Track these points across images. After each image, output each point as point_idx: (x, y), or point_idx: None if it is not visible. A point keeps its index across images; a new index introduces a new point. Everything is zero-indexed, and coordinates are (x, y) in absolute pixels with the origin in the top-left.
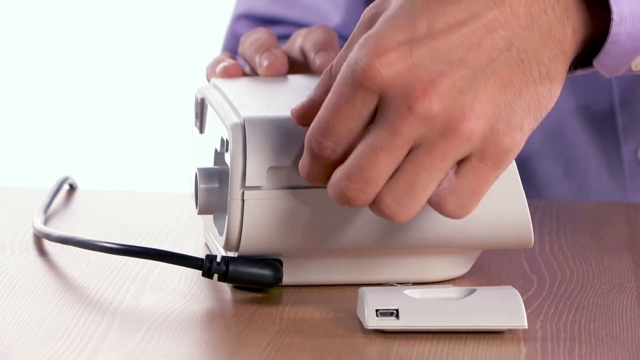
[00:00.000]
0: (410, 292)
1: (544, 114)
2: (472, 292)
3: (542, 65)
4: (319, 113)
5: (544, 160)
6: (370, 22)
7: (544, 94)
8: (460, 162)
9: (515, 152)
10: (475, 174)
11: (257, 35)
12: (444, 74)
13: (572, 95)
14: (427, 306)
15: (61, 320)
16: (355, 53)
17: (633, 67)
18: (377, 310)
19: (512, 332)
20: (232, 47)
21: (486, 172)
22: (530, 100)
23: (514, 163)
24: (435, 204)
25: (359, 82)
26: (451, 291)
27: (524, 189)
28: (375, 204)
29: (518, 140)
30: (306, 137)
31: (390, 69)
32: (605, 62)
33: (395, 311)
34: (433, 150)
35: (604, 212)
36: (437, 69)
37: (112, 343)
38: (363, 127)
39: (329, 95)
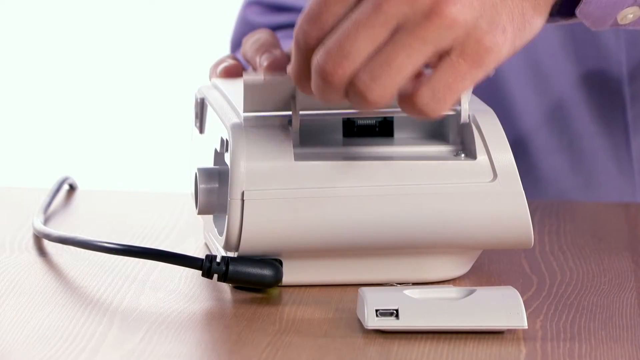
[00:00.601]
0: (410, 292)
1: (526, 35)
2: (471, 292)
3: None
4: (307, 5)
5: (550, 154)
6: None
7: (528, 10)
8: (439, 58)
9: (495, 55)
10: (453, 69)
11: (258, 35)
12: None
13: (580, 81)
14: (427, 306)
15: (61, 320)
16: None
17: (619, 20)
18: (377, 310)
19: (512, 332)
20: (242, 33)
21: (464, 69)
22: (515, 9)
23: (514, 165)
24: (409, 94)
25: None
26: (451, 291)
27: (529, 182)
28: (351, 82)
29: (499, 42)
30: (294, 33)
31: None
32: (588, 11)
33: (395, 311)
34: (414, 32)
35: (604, 212)
36: None
37: (112, 343)
38: (348, 12)
39: None
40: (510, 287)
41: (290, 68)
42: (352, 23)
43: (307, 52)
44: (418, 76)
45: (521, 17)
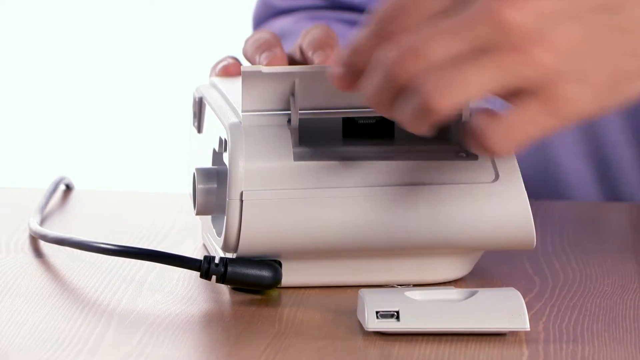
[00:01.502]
0: (410, 293)
1: (620, 96)
2: (473, 293)
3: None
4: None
5: (576, 160)
6: None
7: (632, 71)
8: (515, 95)
9: (576, 108)
10: (527, 111)
11: (259, 35)
12: None
13: None
14: (428, 308)
15: (58, 322)
16: None
17: None
18: (377, 312)
19: (514, 334)
20: (262, 14)
21: (538, 114)
22: (615, 70)
23: (516, 165)
24: (476, 124)
25: None
26: (452, 293)
27: (553, 188)
28: (415, 85)
29: (583, 97)
30: (371, 16)
31: None
32: None
33: (395, 313)
34: (497, 58)
35: (607, 213)
36: None
37: (109, 345)
38: (440, 10)
39: None
40: (513, 288)
41: (365, 82)
42: (436, 27)
43: (377, 37)
44: (489, 114)
45: (620, 77)
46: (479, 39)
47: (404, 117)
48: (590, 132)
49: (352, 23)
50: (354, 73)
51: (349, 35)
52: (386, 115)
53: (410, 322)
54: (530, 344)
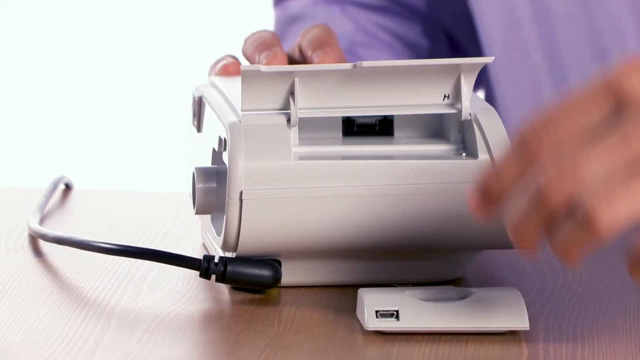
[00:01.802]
0: (410, 293)
1: None
2: (473, 293)
3: None
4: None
5: None
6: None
7: None
8: None
9: None
10: None
11: (259, 34)
12: None
13: None
14: (427, 307)
15: (57, 321)
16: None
17: None
18: (376, 312)
19: (513, 333)
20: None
21: None
22: None
23: None
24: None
25: (605, 85)
26: (452, 292)
27: None
28: (575, 198)
29: None
30: (517, 135)
31: None
32: None
33: (395, 312)
34: None
35: None
36: None
37: (108, 345)
38: (589, 127)
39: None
40: (513, 288)
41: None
42: (591, 145)
43: (521, 159)
44: None
45: None
46: (635, 156)
47: (557, 245)
48: None
49: (368, 7)
50: (493, 200)
51: (363, 21)
52: (531, 249)
53: (410, 321)
54: (530, 343)
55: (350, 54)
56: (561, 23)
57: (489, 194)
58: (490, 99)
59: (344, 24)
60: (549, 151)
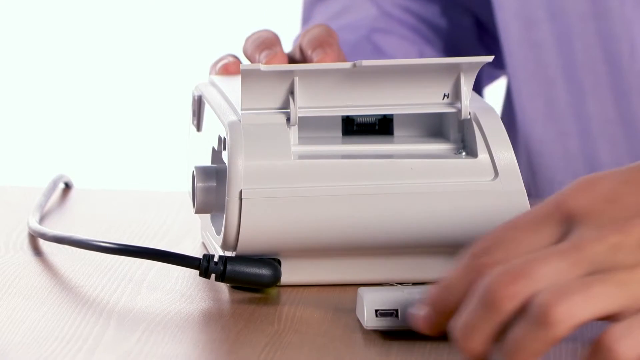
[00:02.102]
0: (409, 291)
1: None
2: None
3: None
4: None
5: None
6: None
7: None
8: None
9: None
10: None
11: (259, 33)
12: None
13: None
14: None
15: (57, 320)
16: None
17: None
18: (376, 311)
19: None
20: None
21: None
22: None
23: (515, 163)
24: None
25: (553, 206)
26: None
27: (547, 188)
28: (526, 306)
29: None
30: (467, 253)
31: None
32: None
33: (395, 311)
34: (614, 277)
35: None
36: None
37: (108, 344)
38: (538, 246)
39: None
40: None
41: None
42: (542, 253)
43: (471, 272)
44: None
45: None
46: (589, 264)
47: (508, 348)
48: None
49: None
50: (442, 314)
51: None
52: (480, 356)
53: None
54: None
55: (367, 42)
56: (575, 24)
57: (439, 306)
58: (508, 94)
59: (367, 7)
60: (499, 262)
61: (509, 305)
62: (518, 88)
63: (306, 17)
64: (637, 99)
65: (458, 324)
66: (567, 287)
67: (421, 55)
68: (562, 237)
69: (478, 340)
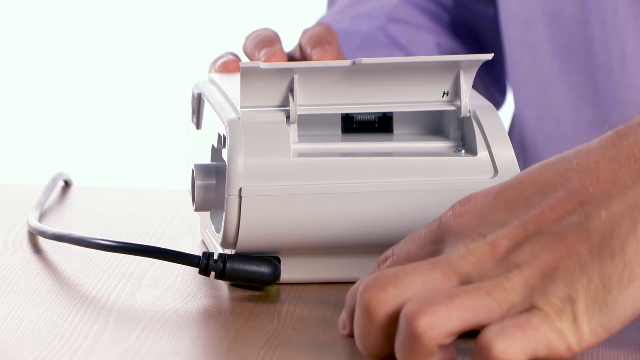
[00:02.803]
0: None
1: (625, 306)
2: None
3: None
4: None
5: None
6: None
7: (620, 277)
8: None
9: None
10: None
11: (260, 32)
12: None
13: None
14: None
15: (56, 318)
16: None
17: None
18: None
19: None
20: None
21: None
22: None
23: (515, 160)
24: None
25: (434, 229)
26: None
27: None
28: (398, 314)
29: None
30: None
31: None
32: None
33: None
34: (479, 287)
35: None
36: (502, 220)
37: (107, 342)
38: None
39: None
40: None
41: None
42: (414, 263)
43: (364, 280)
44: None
45: (602, 288)
46: (457, 276)
47: (397, 353)
48: None
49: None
50: (350, 318)
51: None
52: (380, 356)
53: None
54: None
55: (382, 33)
56: (570, 30)
57: (348, 310)
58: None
59: None
60: (384, 274)
61: (380, 310)
62: (514, 90)
63: (331, 1)
64: (629, 109)
65: (355, 331)
66: (431, 297)
67: (438, 47)
68: (438, 253)
69: (369, 343)
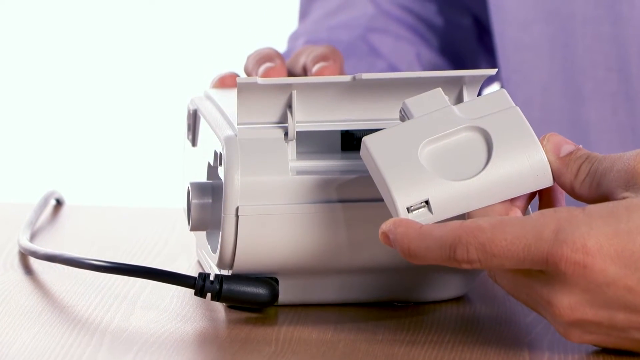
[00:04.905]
0: (427, 159)
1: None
2: (487, 142)
3: None
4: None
5: None
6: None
7: None
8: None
9: None
10: None
11: (261, 50)
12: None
13: None
14: (459, 188)
15: (48, 341)
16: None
17: None
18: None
19: (516, 337)
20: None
21: None
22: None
23: None
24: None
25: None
26: (467, 145)
27: None
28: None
29: None
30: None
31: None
32: None
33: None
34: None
35: None
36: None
37: None
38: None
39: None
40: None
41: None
42: None
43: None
44: None
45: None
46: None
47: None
48: None
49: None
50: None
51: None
52: None
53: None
54: (533, 347)
55: (363, 42)
56: (578, 28)
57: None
58: None
59: (365, 5)
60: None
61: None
62: (513, 94)
63: (304, 12)
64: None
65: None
66: None
67: (418, 57)
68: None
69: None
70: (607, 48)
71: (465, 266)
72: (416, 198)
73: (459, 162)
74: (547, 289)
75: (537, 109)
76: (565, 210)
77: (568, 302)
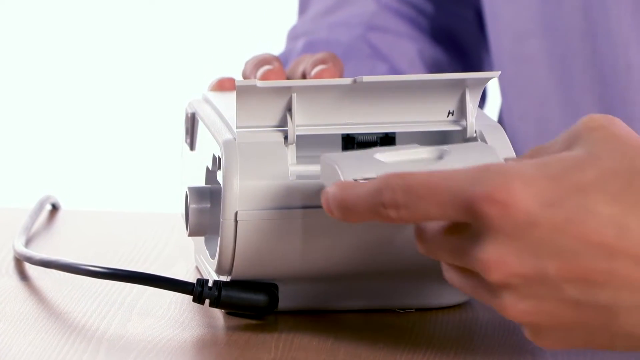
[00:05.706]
0: (381, 156)
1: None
2: (444, 152)
3: None
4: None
5: None
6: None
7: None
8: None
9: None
10: None
11: (259, 55)
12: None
13: None
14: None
15: (44, 348)
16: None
17: None
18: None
19: (520, 344)
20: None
21: None
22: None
23: None
24: None
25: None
26: (423, 152)
27: None
28: None
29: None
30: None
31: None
32: None
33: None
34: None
35: None
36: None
37: None
38: None
39: None
40: (484, 144)
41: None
42: None
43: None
44: None
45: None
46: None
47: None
48: None
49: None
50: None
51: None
52: None
53: None
54: (536, 354)
55: (363, 42)
56: (570, 42)
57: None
58: (500, 114)
59: (367, 2)
60: None
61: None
62: (509, 106)
63: (302, 8)
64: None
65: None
66: None
67: (420, 54)
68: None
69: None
70: (600, 63)
71: (392, 214)
72: (362, 174)
73: (411, 164)
74: (475, 244)
75: (533, 122)
76: (498, 162)
77: (495, 253)
